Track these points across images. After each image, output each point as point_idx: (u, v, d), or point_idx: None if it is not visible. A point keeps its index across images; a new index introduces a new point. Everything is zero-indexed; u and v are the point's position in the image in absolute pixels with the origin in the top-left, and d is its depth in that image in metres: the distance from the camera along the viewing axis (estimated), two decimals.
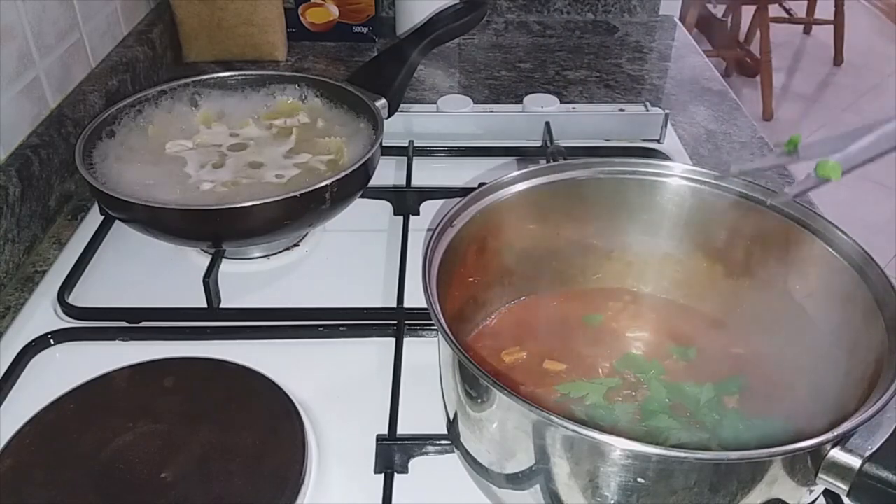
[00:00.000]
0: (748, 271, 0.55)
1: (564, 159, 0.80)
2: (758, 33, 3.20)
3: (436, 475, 0.52)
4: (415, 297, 0.61)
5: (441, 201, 0.77)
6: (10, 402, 0.57)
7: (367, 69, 0.82)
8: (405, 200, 0.78)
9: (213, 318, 0.65)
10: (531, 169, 0.56)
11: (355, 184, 0.69)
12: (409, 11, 1.16)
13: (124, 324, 0.64)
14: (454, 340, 0.42)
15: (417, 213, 0.77)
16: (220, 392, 0.56)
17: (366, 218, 0.77)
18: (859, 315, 0.47)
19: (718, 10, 3.47)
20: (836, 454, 0.38)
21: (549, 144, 0.86)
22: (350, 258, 0.73)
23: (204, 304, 0.65)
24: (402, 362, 0.58)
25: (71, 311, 0.65)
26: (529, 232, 0.58)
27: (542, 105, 0.92)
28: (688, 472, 0.38)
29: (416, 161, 0.84)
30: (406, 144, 0.86)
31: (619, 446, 0.37)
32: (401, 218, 0.75)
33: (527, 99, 0.93)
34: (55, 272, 0.70)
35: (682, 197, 0.57)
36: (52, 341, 0.62)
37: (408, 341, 0.61)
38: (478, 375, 0.41)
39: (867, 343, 0.46)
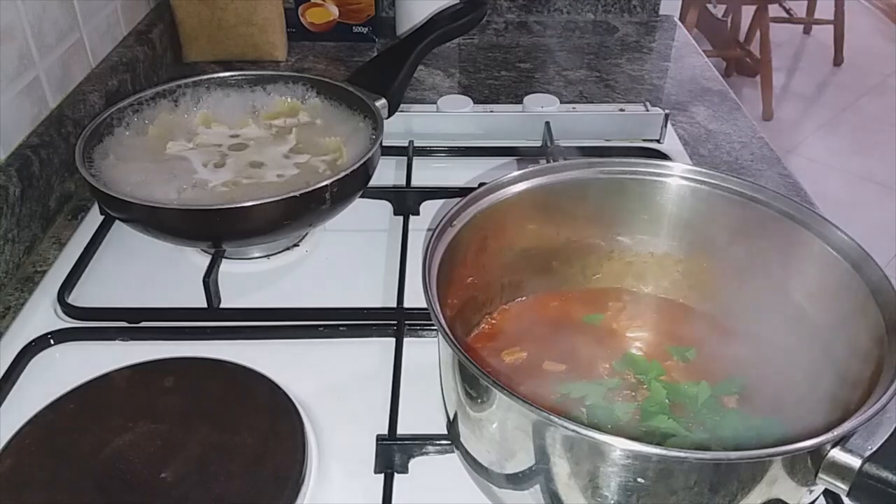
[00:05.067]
0: (748, 271, 0.55)
1: (564, 159, 0.80)
2: (758, 33, 3.20)
3: (436, 475, 0.52)
4: (415, 297, 0.61)
5: (441, 201, 0.77)
6: (10, 402, 0.57)
7: (367, 69, 0.82)
8: (405, 200, 0.78)
9: (213, 318, 0.65)
10: (531, 169, 0.56)
11: (355, 184, 0.69)
12: (409, 11, 1.16)
13: (124, 324, 0.64)
14: (454, 340, 0.42)
15: (417, 213, 0.77)
16: (220, 392, 0.56)
17: (366, 218, 0.77)
18: (859, 315, 0.47)
19: (718, 10, 3.47)
20: (836, 454, 0.38)
21: (549, 144, 0.86)
22: (350, 258, 0.73)
23: (204, 304, 0.65)
24: (402, 362, 0.58)
25: (71, 311, 0.64)
26: (529, 232, 0.58)
27: (542, 105, 0.92)
28: (688, 472, 0.38)
29: (416, 161, 0.84)
30: (406, 144, 0.86)
31: (619, 446, 0.37)
32: (401, 218, 0.75)
33: (527, 99, 0.93)
34: (55, 272, 0.70)
35: (682, 197, 0.57)
36: (52, 341, 0.62)
37: (408, 341, 0.61)
38: (478, 375, 0.41)
39: (867, 343, 0.46)
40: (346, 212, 0.70)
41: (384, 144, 0.73)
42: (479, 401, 0.43)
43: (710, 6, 3.39)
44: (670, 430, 0.48)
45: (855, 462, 0.38)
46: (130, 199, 0.63)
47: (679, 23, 1.29)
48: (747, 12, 3.34)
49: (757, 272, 0.55)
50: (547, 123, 0.88)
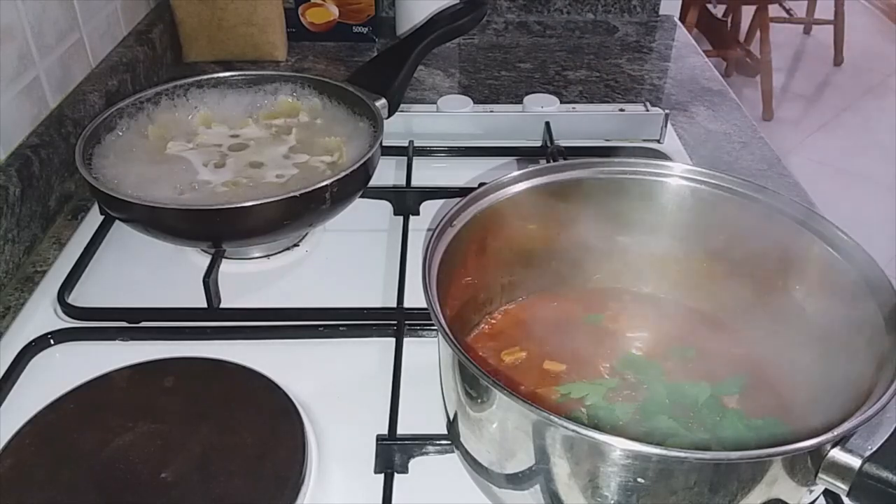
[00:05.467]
0: (748, 271, 0.55)
1: (564, 159, 0.80)
2: (758, 33, 3.20)
3: (436, 475, 0.52)
4: (415, 297, 0.61)
5: (441, 201, 0.77)
6: (10, 402, 0.57)
7: (367, 69, 0.82)
8: (405, 200, 0.78)
9: (213, 318, 0.65)
10: (531, 169, 0.56)
11: (355, 184, 0.69)
12: (409, 11, 1.16)
13: (124, 324, 0.64)
14: (454, 340, 0.42)
15: (417, 213, 0.77)
16: (220, 392, 0.56)
17: (366, 218, 0.77)
18: (859, 315, 0.47)
19: (718, 10, 3.47)
20: (837, 454, 0.38)
21: (549, 144, 0.86)
22: (350, 258, 0.73)
23: (204, 304, 0.65)
24: (402, 362, 0.58)
25: (71, 311, 0.64)
26: (529, 232, 0.58)
27: (542, 105, 0.92)
28: (688, 472, 0.38)
29: (416, 161, 0.84)
30: (406, 144, 0.86)
31: (619, 446, 0.37)
32: (401, 218, 0.75)
33: (527, 99, 0.93)
34: (55, 272, 0.70)
35: (682, 197, 0.57)
36: (52, 341, 0.62)
37: (408, 341, 0.61)
38: (478, 375, 0.41)
39: (867, 343, 0.46)
40: (346, 212, 0.70)
41: (384, 144, 0.73)
42: (479, 401, 0.43)
43: (710, 6, 3.39)
44: (670, 431, 0.48)
45: (855, 462, 0.38)
46: (130, 199, 0.63)
47: (679, 23, 1.29)
48: (747, 12, 3.34)
49: (757, 272, 0.55)
50: (547, 123, 0.88)
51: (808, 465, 0.39)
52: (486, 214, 0.54)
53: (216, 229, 0.65)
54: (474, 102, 0.92)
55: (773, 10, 3.26)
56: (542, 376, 0.53)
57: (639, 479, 0.39)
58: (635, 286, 0.61)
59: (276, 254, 0.73)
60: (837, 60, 3.64)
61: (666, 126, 0.90)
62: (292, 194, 0.62)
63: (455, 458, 0.50)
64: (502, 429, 0.43)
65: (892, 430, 0.39)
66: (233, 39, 1.11)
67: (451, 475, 0.51)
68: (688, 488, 0.39)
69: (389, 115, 0.79)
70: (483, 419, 0.44)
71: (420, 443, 0.53)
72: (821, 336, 0.50)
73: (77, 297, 0.66)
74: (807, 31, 3.92)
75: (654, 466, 0.38)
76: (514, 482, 0.44)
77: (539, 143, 0.88)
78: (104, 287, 0.69)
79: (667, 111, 0.90)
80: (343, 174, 0.65)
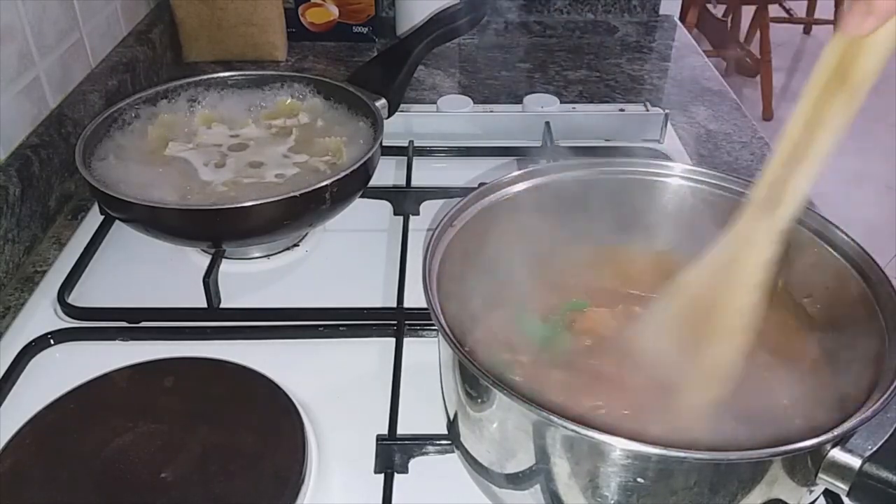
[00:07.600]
0: None
1: (564, 159, 0.80)
2: (758, 33, 3.20)
3: (436, 475, 0.52)
4: (415, 297, 0.61)
5: (441, 201, 0.77)
6: (10, 402, 0.57)
7: (367, 69, 0.82)
8: (405, 200, 0.78)
9: (213, 318, 0.65)
10: (531, 169, 0.56)
11: (355, 184, 0.69)
12: (409, 11, 1.16)
13: (124, 324, 0.64)
14: (454, 340, 0.42)
15: (417, 213, 0.77)
16: (220, 392, 0.56)
17: (366, 218, 0.77)
18: (859, 315, 0.47)
19: (718, 10, 3.46)
20: (836, 454, 0.39)
21: (549, 144, 0.86)
22: (350, 258, 0.73)
23: (204, 304, 0.65)
24: (402, 362, 0.58)
25: (71, 311, 0.64)
26: (529, 232, 0.58)
27: (542, 105, 0.92)
28: (687, 472, 0.38)
29: (416, 161, 0.84)
30: (406, 144, 0.86)
31: (618, 446, 0.37)
32: (401, 218, 0.75)
33: (527, 99, 0.94)
34: (55, 272, 0.70)
35: (682, 197, 0.57)
36: (52, 341, 0.62)
37: (408, 341, 0.61)
38: (478, 375, 0.41)
39: (867, 343, 0.46)
40: (346, 212, 0.70)
41: (384, 144, 0.73)
42: (480, 401, 0.43)
43: (710, 6, 3.39)
44: None
45: (855, 462, 0.38)
46: (130, 199, 0.63)
47: (679, 23, 1.29)
48: (747, 12, 3.34)
49: None
50: (547, 123, 0.88)
51: (807, 465, 0.39)
52: (486, 214, 0.54)
53: (216, 229, 0.65)
54: (474, 102, 0.92)
55: (773, 10, 3.26)
56: None
57: (638, 479, 0.39)
58: (635, 286, 0.61)
59: (276, 254, 0.73)
60: None
61: (666, 126, 0.90)
62: (292, 194, 0.62)
63: (455, 458, 0.50)
64: (502, 429, 0.43)
65: (892, 430, 0.39)
66: (233, 39, 1.11)
67: (451, 475, 0.51)
68: (688, 488, 0.39)
69: (389, 115, 0.79)
70: (483, 419, 0.44)
71: (420, 443, 0.53)
72: (821, 336, 0.50)
73: (77, 297, 0.66)
74: (807, 31, 3.92)
75: (654, 466, 0.38)
76: (515, 482, 0.44)
77: (539, 143, 0.88)
78: (104, 287, 0.69)
79: (667, 111, 0.90)
80: (343, 174, 0.65)
